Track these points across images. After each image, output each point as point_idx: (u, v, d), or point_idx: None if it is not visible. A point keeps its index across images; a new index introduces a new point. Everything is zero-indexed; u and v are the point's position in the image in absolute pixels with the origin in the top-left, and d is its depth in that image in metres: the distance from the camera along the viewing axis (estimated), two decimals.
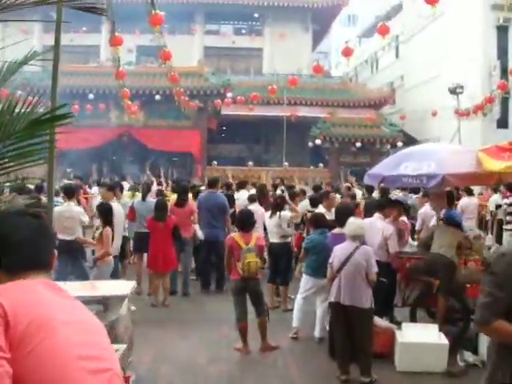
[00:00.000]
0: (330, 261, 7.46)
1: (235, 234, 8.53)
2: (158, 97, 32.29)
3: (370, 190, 15.26)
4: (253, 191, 14.63)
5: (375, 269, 7.32)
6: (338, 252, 7.41)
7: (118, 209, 10.83)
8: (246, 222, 8.52)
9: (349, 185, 18.18)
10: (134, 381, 6.07)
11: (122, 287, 7.08)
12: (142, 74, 34.03)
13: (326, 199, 10.91)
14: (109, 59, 28.80)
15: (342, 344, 7.38)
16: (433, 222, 11.01)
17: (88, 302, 6.55)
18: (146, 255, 11.81)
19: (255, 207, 11.65)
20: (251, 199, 12.57)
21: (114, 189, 11.93)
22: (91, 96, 32.48)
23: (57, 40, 5.22)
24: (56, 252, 2.63)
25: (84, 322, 2.23)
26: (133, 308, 7.24)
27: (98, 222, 10.61)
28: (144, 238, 11.59)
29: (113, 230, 9.39)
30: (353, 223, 7.56)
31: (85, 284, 7.73)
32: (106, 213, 9.35)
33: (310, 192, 15.70)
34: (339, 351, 7.45)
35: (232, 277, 8.46)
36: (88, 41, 43.25)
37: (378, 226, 9.07)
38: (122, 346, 4.84)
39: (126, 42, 37.49)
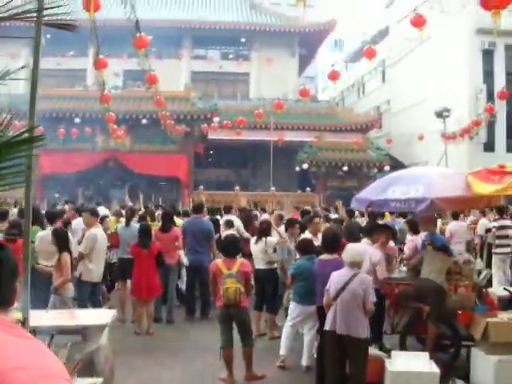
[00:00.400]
0: (327, 287, 7.15)
1: (219, 260, 8.36)
2: (144, 121, 32.16)
3: (350, 213, 15.08)
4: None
5: (373, 298, 7.04)
6: (336, 279, 7.10)
7: (101, 234, 10.57)
8: (229, 247, 8.32)
9: (322, 206, 17.99)
10: None
11: (102, 316, 6.88)
12: (128, 98, 33.95)
13: (310, 224, 10.65)
14: (95, 83, 28.72)
15: (333, 373, 7.14)
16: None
17: (66, 331, 6.37)
18: (129, 282, 11.55)
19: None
20: (228, 224, 12.45)
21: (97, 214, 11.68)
22: (77, 120, 32.38)
23: (35, 61, 5.04)
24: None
25: (40, 366, 1.97)
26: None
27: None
28: (128, 264, 11.34)
29: (71, 255, 9.05)
30: (351, 249, 7.30)
31: (63, 313, 7.47)
32: (61, 238, 8.99)
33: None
34: (330, 380, 7.21)
35: (217, 304, 8.26)
36: (75, 65, 43.09)
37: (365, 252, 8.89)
38: (98, 381, 4.59)
39: (112, 66, 37.70)
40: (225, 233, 11.44)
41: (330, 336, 7.07)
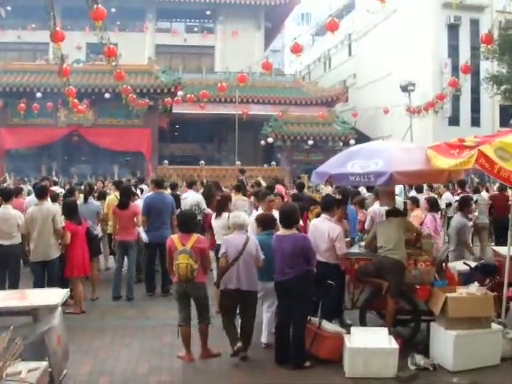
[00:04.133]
0: (224, 251, 7.93)
1: (174, 236, 8.18)
2: (107, 95, 31.75)
3: (300, 187, 14.98)
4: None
5: (262, 256, 8.02)
6: (233, 243, 7.97)
7: (41, 211, 10.28)
8: (185, 223, 8.15)
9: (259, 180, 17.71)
10: None
11: (54, 296, 6.67)
12: (90, 72, 33.51)
13: (262, 201, 10.37)
14: (57, 57, 28.16)
15: (231, 325, 8.08)
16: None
17: (15, 313, 6.18)
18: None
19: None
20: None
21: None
22: (39, 94, 31.90)
23: None
24: None
25: None
26: None
27: None
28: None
29: None
30: (232, 216, 8.52)
31: (13, 293, 7.27)
32: None
33: None
34: (229, 331, 8.04)
35: (173, 280, 8.09)
36: (36, 38, 42.07)
37: (323, 228, 8.80)
38: (42, 364, 4.42)
39: (75, 39, 37.22)
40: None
41: (232, 294, 7.89)
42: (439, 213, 11.97)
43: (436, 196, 15.98)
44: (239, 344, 7.80)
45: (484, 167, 7.00)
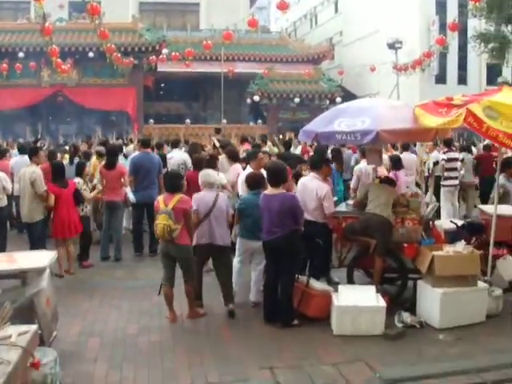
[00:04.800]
0: (195, 208, 8.14)
1: (161, 196, 8.17)
2: (91, 54, 31.31)
3: (286, 145, 14.92)
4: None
5: (231, 211, 8.52)
6: (203, 200, 8.28)
7: (26, 173, 10.36)
8: (170, 182, 8.15)
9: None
10: (55, 359, 5.70)
11: (42, 258, 6.66)
12: (74, 31, 32.93)
13: (253, 160, 10.34)
14: (39, 16, 27.66)
15: (200, 279, 8.49)
16: (369, 179, 10.80)
17: (3, 276, 6.17)
18: None
19: None
20: None
21: None
22: (21, 54, 31.31)
23: None
24: None
25: None
26: None
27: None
28: None
29: None
30: (202, 175, 8.65)
31: (1, 256, 7.23)
32: None
33: None
34: (197, 285, 8.40)
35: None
36: None
37: (312, 186, 8.78)
38: (32, 327, 4.42)
39: None
40: None
41: (205, 248, 8.24)
42: (402, 170, 11.91)
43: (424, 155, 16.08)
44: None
45: (472, 126, 6.99)
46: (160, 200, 7.96)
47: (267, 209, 7.79)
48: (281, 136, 25.07)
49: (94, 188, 11.70)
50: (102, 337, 7.45)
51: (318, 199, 8.66)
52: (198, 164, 10.65)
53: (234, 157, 11.48)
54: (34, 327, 4.48)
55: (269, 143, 18.66)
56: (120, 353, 6.94)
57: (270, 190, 7.97)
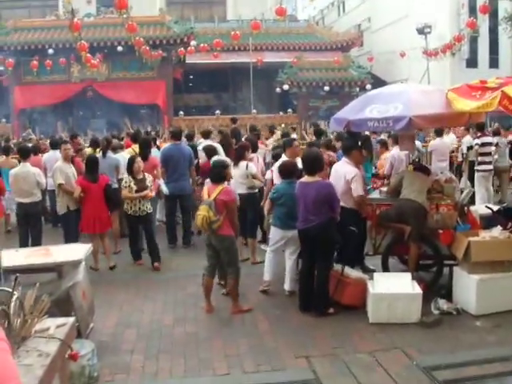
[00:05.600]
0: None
1: (206, 186, 8.20)
2: (120, 48, 31.44)
3: (317, 133, 14.82)
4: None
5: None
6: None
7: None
8: (212, 173, 8.18)
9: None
10: (93, 350, 5.75)
11: (77, 251, 6.71)
12: (102, 26, 33.17)
13: (288, 148, 10.30)
14: (67, 12, 27.82)
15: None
16: (403, 165, 10.70)
17: (40, 270, 6.22)
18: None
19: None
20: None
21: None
22: (51, 51, 31.61)
23: None
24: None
25: None
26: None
27: None
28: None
29: None
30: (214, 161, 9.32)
31: (38, 250, 7.29)
32: None
33: None
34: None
35: None
36: None
37: (342, 171, 8.76)
38: (69, 320, 4.45)
39: None
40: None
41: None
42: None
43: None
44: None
45: (508, 109, 6.86)
46: (204, 190, 8.00)
47: (303, 197, 7.74)
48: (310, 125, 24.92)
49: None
50: (137, 328, 7.50)
51: (346, 182, 8.63)
52: (209, 153, 11.47)
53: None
54: (71, 319, 4.50)
55: (278, 133, 18.65)
56: (156, 344, 6.97)
57: (305, 178, 7.92)
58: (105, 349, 6.63)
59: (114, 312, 8.10)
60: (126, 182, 10.23)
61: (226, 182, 8.25)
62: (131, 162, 10.37)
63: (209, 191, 7.88)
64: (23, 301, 4.08)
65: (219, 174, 8.09)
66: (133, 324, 7.65)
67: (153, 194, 10.51)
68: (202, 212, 7.64)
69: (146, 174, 10.45)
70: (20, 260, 6.32)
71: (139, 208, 10.24)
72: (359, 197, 8.61)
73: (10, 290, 3.94)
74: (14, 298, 3.93)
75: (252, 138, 12.66)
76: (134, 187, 10.14)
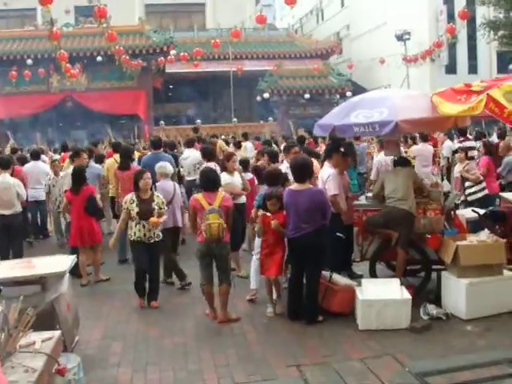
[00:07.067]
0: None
1: (199, 195, 8.00)
2: (99, 58, 31.33)
3: (301, 140, 14.79)
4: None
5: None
6: (164, 188, 9.60)
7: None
8: (207, 181, 8.02)
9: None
10: (79, 364, 5.61)
11: (61, 263, 6.55)
12: (81, 36, 33.02)
13: (288, 154, 10.11)
14: (46, 22, 27.65)
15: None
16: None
17: (23, 282, 6.08)
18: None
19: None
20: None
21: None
22: (30, 61, 31.44)
23: None
24: None
25: None
26: None
27: None
28: None
29: None
30: (158, 167, 9.96)
31: (20, 262, 7.15)
32: None
33: None
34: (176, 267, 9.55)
35: (197, 239, 7.90)
36: (23, 4, 41.21)
37: (321, 174, 8.89)
38: (56, 333, 4.33)
39: (63, 3, 36.50)
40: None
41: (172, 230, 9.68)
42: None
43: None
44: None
45: (493, 112, 6.80)
46: (200, 199, 7.80)
47: (294, 205, 7.63)
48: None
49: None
50: (124, 340, 7.38)
51: (322, 183, 8.66)
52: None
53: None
54: (57, 333, 4.40)
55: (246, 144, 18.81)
56: (143, 356, 6.85)
57: (295, 186, 7.83)
58: (91, 362, 6.49)
59: (100, 324, 7.96)
60: (125, 203, 8.64)
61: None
62: (137, 177, 8.76)
63: (207, 199, 7.76)
64: (7, 314, 3.96)
65: (215, 182, 8.06)
66: (119, 336, 7.52)
67: (162, 219, 8.61)
68: (216, 220, 7.50)
69: (154, 194, 8.82)
70: (3, 272, 6.17)
71: (144, 234, 8.54)
72: (332, 196, 8.55)
73: None
74: None
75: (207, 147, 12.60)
76: (136, 209, 8.47)
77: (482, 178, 11.61)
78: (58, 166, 13.27)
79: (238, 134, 24.05)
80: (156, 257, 8.78)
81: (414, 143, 15.89)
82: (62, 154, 16.50)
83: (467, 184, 11.63)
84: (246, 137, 20.37)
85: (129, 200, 8.57)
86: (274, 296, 8.13)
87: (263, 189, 9.05)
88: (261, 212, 7.88)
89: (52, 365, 4.02)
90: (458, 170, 12.08)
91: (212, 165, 11.02)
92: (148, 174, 8.77)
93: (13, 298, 4.50)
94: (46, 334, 4.30)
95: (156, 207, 8.51)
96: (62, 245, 12.83)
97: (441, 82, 28.06)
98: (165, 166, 9.94)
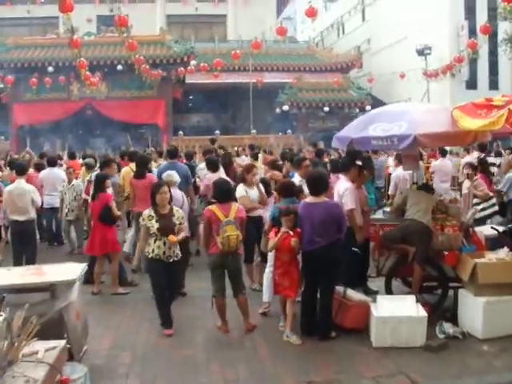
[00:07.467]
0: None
1: (213, 206, 7.88)
2: (119, 67, 31.38)
3: (318, 152, 14.64)
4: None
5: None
6: (175, 197, 9.12)
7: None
8: (222, 192, 7.93)
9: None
10: (85, 374, 5.51)
11: (72, 271, 6.46)
12: (102, 44, 33.10)
13: (300, 168, 10.01)
14: (67, 30, 27.81)
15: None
16: (407, 185, 10.52)
17: (32, 289, 6.00)
18: None
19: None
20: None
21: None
22: (51, 69, 31.58)
23: None
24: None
25: None
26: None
27: None
28: None
29: None
30: (166, 176, 9.89)
31: (30, 269, 7.09)
32: None
33: None
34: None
35: (210, 251, 7.80)
36: (46, 12, 41.59)
37: (337, 188, 8.78)
38: (61, 343, 4.22)
39: (84, 12, 36.78)
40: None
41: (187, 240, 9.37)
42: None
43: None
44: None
45: None
46: (215, 210, 7.69)
47: (309, 218, 7.51)
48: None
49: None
50: (133, 350, 7.28)
51: (338, 197, 8.56)
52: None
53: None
54: (62, 342, 4.28)
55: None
56: (152, 367, 6.75)
57: (311, 199, 7.71)
58: (99, 372, 6.41)
59: (110, 333, 7.88)
60: (143, 219, 8.04)
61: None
62: (154, 191, 8.18)
63: (223, 211, 7.67)
64: (11, 322, 3.86)
65: (230, 193, 8.05)
66: (128, 346, 7.43)
67: (181, 236, 8.07)
68: (233, 232, 7.44)
69: (174, 207, 8.29)
70: (12, 279, 6.10)
71: (164, 252, 7.93)
72: (348, 211, 8.43)
73: None
74: (1, 319, 3.71)
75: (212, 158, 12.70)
76: (156, 225, 7.91)
77: (491, 194, 11.42)
78: (73, 173, 13.22)
79: (243, 145, 23.95)
80: (174, 279, 8.24)
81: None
82: (70, 161, 16.56)
83: (475, 201, 11.44)
84: (252, 148, 20.27)
85: (147, 216, 7.97)
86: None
87: (271, 201, 9.03)
88: (283, 229, 7.64)
89: (55, 375, 3.91)
90: (466, 186, 11.91)
91: (216, 176, 11.04)
92: (165, 188, 8.15)
93: (20, 305, 4.39)
94: (51, 343, 4.20)
95: (177, 222, 8.02)
96: (71, 252, 12.84)
97: (461, 97, 27.78)
98: (172, 174, 10.00)
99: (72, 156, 17.25)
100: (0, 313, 3.76)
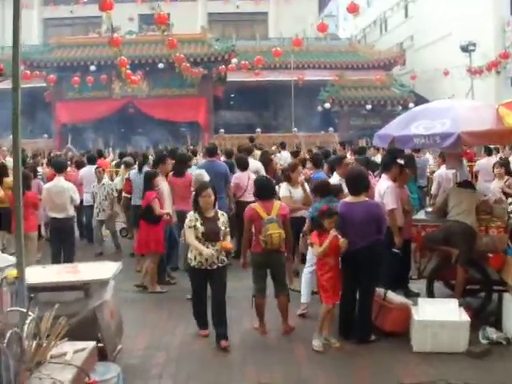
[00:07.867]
0: None
1: (255, 204, 7.78)
2: (161, 65, 31.57)
3: (360, 151, 14.33)
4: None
5: None
6: None
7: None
8: (264, 189, 7.83)
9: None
10: (118, 374, 5.42)
11: (106, 270, 6.40)
12: (143, 43, 33.38)
13: (339, 166, 9.86)
14: (109, 29, 28.02)
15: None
16: (450, 185, 10.23)
17: (67, 288, 5.95)
18: None
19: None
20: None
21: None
22: (93, 67, 31.99)
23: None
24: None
25: None
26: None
27: None
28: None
29: None
30: (195, 175, 10.32)
31: (66, 267, 7.06)
32: None
33: None
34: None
35: (253, 249, 7.70)
36: (88, 12, 41.99)
37: (378, 187, 8.58)
38: (90, 344, 4.12)
39: (126, 11, 37.05)
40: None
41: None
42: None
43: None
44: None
45: None
46: (257, 208, 7.60)
47: (349, 218, 7.32)
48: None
49: None
50: (168, 351, 7.19)
51: (379, 197, 8.35)
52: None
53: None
54: (91, 344, 4.18)
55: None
56: (186, 368, 6.65)
57: (350, 198, 7.53)
58: (132, 372, 6.33)
59: (145, 333, 7.80)
60: (190, 221, 7.44)
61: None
62: (196, 194, 7.68)
63: (264, 208, 7.56)
64: (39, 322, 3.78)
65: (271, 190, 7.94)
66: (163, 346, 7.34)
67: (231, 245, 7.63)
68: (276, 230, 7.34)
69: (219, 212, 7.64)
70: (46, 277, 6.07)
71: (206, 259, 7.35)
72: (390, 211, 8.22)
73: (24, 310, 3.64)
74: (29, 319, 3.63)
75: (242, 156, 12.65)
76: (201, 229, 7.33)
77: None
78: (102, 172, 13.19)
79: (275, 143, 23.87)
80: (219, 286, 7.55)
81: None
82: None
83: (510, 200, 11.06)
84: (283, 146, 20.26)
85: (193, 218, 7.44)
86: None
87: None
88: (333, 232, 7.39)
89: (83, 378, 3.81)
90: (497, 185, 11.53)
91: (244, 175, 11.50)
92: (208, 191, 7.43)
93: (54, 303, 4.31)
94: (80, 344, 4.11)
95: (222, 227, 7.46)
96: (100, 254, 12.76)
97: (506, 94, 27.24)
98: (201, 173, 10.33)
99: (100, 154, 17.18)
100: (28, 312, 3.67)
